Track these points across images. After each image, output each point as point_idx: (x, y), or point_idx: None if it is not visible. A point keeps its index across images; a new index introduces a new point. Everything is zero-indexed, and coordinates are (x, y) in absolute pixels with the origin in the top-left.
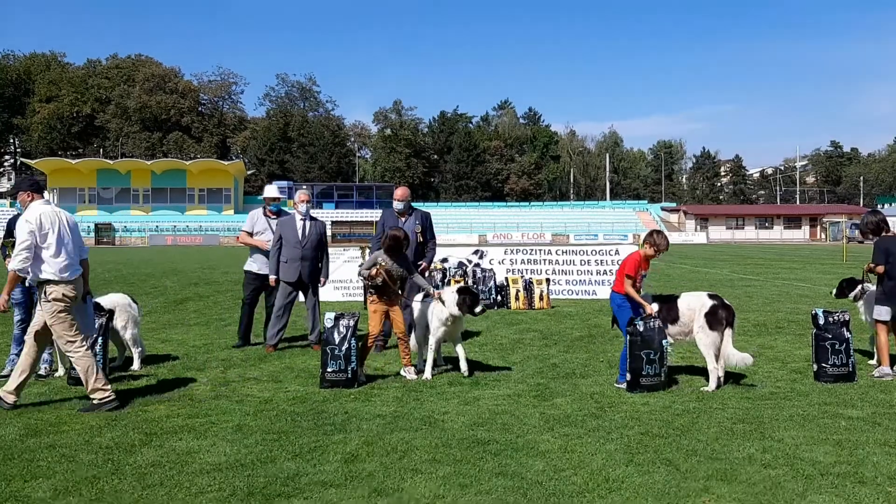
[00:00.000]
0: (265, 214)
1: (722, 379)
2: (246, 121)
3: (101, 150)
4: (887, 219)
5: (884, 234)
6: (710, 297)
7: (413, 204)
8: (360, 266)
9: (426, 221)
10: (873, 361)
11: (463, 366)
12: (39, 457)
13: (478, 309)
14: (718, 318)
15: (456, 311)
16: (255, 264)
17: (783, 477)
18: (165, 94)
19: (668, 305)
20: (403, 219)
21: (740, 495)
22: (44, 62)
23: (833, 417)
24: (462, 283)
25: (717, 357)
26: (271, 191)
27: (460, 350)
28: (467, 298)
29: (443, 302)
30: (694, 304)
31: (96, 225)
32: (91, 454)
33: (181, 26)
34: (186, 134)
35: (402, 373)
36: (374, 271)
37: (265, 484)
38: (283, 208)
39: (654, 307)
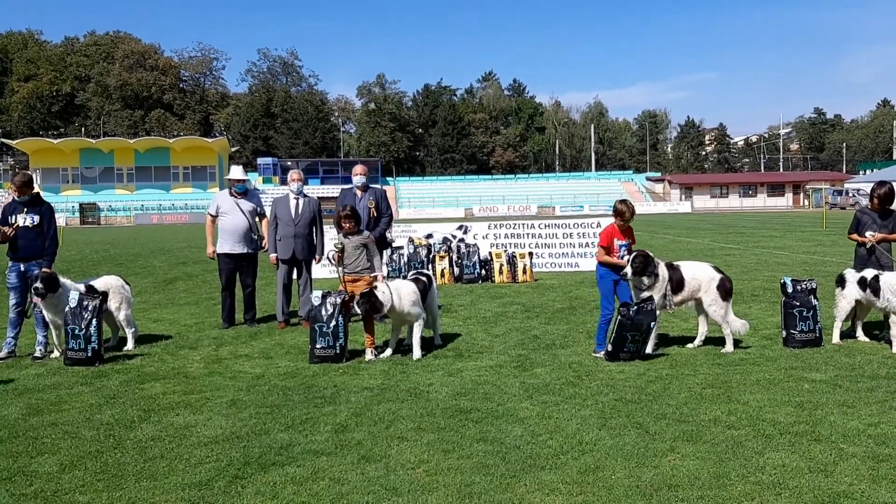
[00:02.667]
0: (231, 195)
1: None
2: (228, 97)
3: (83, 129)
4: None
5: None
6: (716, 269)
7: (398, 179)
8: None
9: (379, 197)
10: None
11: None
12: (43, 434)
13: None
14: (727, 288)
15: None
16: (227, 244)
17: (745, 437)
18: (146, 71)
19: (673, 275)
20: (360, 195)
21: (703, 454)
22: (21, 40)
23: (797, 381)
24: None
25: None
26: (236, 172)
27: (414, 331)
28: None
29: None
30: (700, 276)
31: (81, 205)
32: (92, 430)
33: (158, 1)
34: (168, 111)
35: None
36: (333, 253)
37: (260, 454)
38: (249, 188)
39: (626, 259)
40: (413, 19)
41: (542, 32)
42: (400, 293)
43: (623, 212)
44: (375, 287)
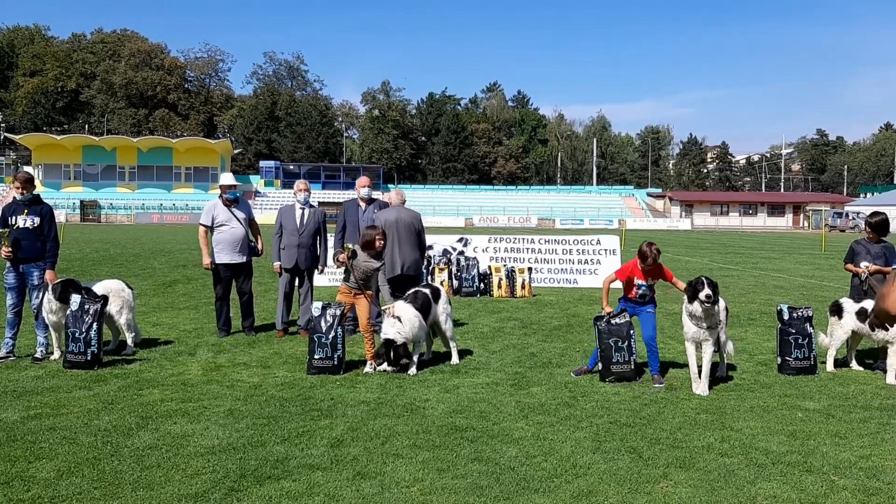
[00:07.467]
0: (224, 204)
1: None
2: (233, 99)
3: (87, 126)
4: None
5: None
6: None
7: (401, 187)
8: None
9: None
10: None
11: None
12: (41, 439)
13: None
14: (729, 313)
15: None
16: (227, 255)
17: (737, 465)
18: (151, 70)
19: None
20: (363, 206)
21: (696, 482)
22: (27, 35)
23: (791, 409)
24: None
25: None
26: (227, 178)
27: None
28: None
29: (398, 319)
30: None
31: (82, 202)
32: (90, 436)
33: (166, 1)
34: (173, 111)
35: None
36: (339, 253)
37: (256, 467)
38: (240, 195)
39: (608, 309)
40: (420, 27)
41: (548, 45)
42: (404, 319)
43: (645, 254)
44: (394, 340)
